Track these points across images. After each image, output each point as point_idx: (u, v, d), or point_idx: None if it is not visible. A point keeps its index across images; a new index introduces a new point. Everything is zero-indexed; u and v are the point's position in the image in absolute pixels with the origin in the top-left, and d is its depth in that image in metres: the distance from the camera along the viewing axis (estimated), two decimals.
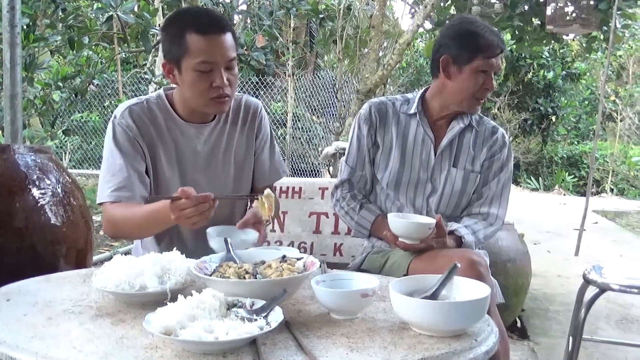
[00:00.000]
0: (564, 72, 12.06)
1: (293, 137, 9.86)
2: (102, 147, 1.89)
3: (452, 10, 5.97)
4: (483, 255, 1.90)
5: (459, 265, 1.32)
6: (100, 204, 1.77)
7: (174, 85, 1.86)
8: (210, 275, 1.33)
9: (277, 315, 1.15)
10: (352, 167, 2.10)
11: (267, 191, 1.61)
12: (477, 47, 1.92)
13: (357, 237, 2.14)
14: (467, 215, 2.03)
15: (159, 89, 2.13)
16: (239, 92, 1.99)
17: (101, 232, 5.28)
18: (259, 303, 1.20)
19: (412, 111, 2.05)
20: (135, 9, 4.44)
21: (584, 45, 6.27)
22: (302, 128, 10.08)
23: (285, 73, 9.69)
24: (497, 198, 2.04)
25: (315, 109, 10.21)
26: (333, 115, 9.59)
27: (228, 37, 1.73)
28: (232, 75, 1.76)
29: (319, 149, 9.11)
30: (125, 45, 5.26)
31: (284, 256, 1.42)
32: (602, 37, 5.54)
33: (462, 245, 1.90)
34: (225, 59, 1.72)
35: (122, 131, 1.78)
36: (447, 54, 1.96)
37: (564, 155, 12.47)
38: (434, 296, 1.27)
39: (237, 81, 1.81)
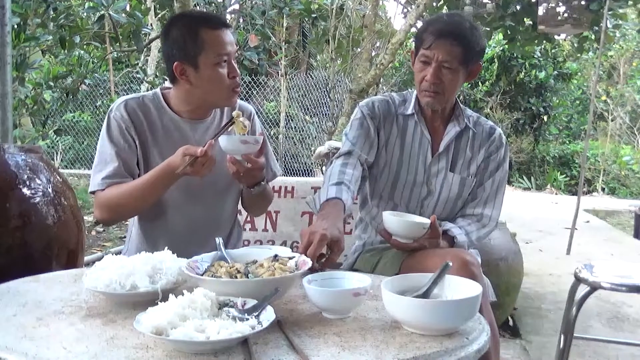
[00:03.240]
0: (555, 72, 12.11)
1: (286, 137, 9.85)
2: (95, 147, 1.96)
3: (445, 10, 5.99)
4: (475, 255, 1.90)
5: (450, 263, 1.32)
6: (93, 193, 1.86)
7: (169, 85, 1.91)
8: (202, 275, 1.33)
9: (268, 315, 1.14)
10: (353, 143, 1.98)
11: (236, 112, 1.76)
12: (420, 38, 1.94)
13: (309, 205, 1.93)
14: (461, 216, 2.03)
15: (151, 88, 2.17)
16: None
17: (93, 233, 5.26)
18: (251, 302, 1.19)
19: (409, 112, 2.02)
20: (127, 8, 4.42)
21: (575, 45, 6.31)
22: (295, 128, 10.07)
23: (278, 73, 9.69)
24: (492, 199, 2.02)
25: (308, 109, 10.20)
26: (326, 114, 9.59)
27: (230, 33, 1.86)
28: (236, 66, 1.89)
29: (312, 148, 9.12)
30: (117, 44, 5.23)
31: (276, 255, 1.42)
32: (593, 37, 5.57)
33: (454, 246, 1.90)
34: (234, 51, 1.85)
35: (115, 123, 1.86)
36: (414, 49, 2.00)
37: (556, 155, 12.52)
38: (425, 295, 1.27)
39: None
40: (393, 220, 1.79)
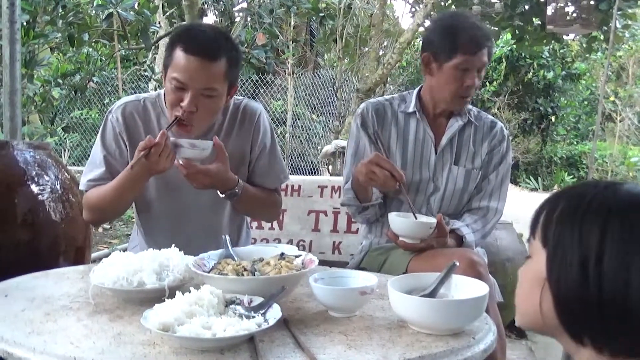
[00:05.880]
0: (563, 72, 12.05)
1: (293, 136, 9.85)
2: None
3: (453, 9, 5.97)
4: (482, 255, 1.90)
5: (457, 263, 1.32)
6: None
7: None
8: (209, 272, 1.33)
9: (275, 313, 1.15)
10: (348, 187, 2.01)
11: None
12: (455, 44, 1.87)
13: (346, 204, 2.03)
14: (467, 210, 2.02)
15: (158, 86, 2.16)
16: (239, 92, 1.99)
17: (100, 230, 5.28)
18: (257, 300, 1.20)
19: (410, 110, 2.02)
20: (136, 6, 4.43)
21: (584, 45, 6.28)
22: (301, 126, 10.08)
23: (285, 71, 9.69)
24: (497, 191, 2.03)
25: (315, 108, 10.20)
26: (333, 113, 9.60)
27: (215, 66, 1.69)
28: (207, 103, 1.71)
29: (319, 147, 9.12)
30: (125, 42, 5.25)
31: (283, 253, 1.42)
32: (602, 37, 5.54)
33: (462, 245, 1.89)
34: (197, 86, 1.68)
35: (110, 126, 1.85)
36: (429, 52, 1.94)
37: (563, 156, 12.46)
38: (432, 294, 1.27)
39: (213, 110, 1.77)
40: (399, 222, 1.78)
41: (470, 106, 2.08)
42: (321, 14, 6.33)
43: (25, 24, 3.85)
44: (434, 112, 2.03)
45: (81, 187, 1.88)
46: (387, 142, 2.01)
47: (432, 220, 1.79)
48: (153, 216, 1.94)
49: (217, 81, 1.70)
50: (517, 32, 5.52)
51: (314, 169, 9.42)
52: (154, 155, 1.59)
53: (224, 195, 1.79)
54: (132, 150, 1.83)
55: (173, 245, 1.45)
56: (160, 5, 6.25)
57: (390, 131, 2.02)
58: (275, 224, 2.83)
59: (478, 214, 2.00)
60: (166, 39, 5.21)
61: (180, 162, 1.65)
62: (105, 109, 9.97)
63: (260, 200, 1.93)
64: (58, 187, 2.11)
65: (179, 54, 1.69)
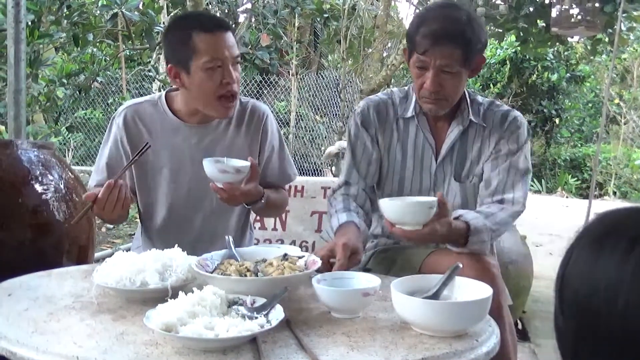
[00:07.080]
0: (568, 75, 12.02)
1: (296, 137, 9.85)
2: None
3: None
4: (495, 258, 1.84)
5: (460, 265, 1.32)
6: None
7: (176, 87, 1.87)
8: (212, 273, 1.34)
9: (277, 314, 1.15)
10: (347, 180, 1.90)
11: None
12: (413, 40, 1.72)
13: (324, 238, 1.96)
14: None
15: (162, 86, 2.17)
16: (243, 92, 2.00)
17: (103, 229, 5.29)
18: (260, 301, 1.20)
19: (409, 114, 1.86)
20: (140, 6, 4.45)
21: (588, 47, 6.26)
22: (305, 127, 10.07)
23: (289, 72, 9.69)
24: (510, 185, 1.80)
25: (318, 109, 10.19)
26: (336, 115, 9.59)
27: (231, 35, 1.79)
28: (238, 73, 1.81)
29: (322, 148, 9.12)
30: (130, 42, 5.26)
31: (286, 254, 1.42)
32: (607, 39, 5.53)
33: (469, 231, 1.62)
34: (232, 55, 1.77)
35: (113, 133, 1.88)
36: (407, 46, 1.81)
37: (567, 158, 12.43)
38: (435, 296, 1.27)
39: (239, 79, 1.85)
40: (392, 205, 1.49)
41: (480, 99, 1.89)
42: (325, 15, 6.34)
43: (30, 23, 3.86)
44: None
45: (88, 187, 1.91)
46: (388, 145, 1.89)
47: (431, 198, 1.52)
48: (157, 223, 1.93)
49: (237, 48, 1.81)
50: (521, 34, 5.50)
51: (317, 170, 9.41)
52: (98, 210, 1.60)
53: (249, 207, 1.82)
54: (134, 153, 1.81)
55: (176, 245, 1.45)
56: (165, 5, 6.26)
57: (392, 135, 1.89)
58: (278, 224, 2.83)
59: (489, 203, 1.80)
60: None
61: (220, 185, 1.64)
62: (109, 109, 10.00)
63: (277, 202, 1.96)
64: (62, 186, 2.12)
65: (204, 37, 1.72)
